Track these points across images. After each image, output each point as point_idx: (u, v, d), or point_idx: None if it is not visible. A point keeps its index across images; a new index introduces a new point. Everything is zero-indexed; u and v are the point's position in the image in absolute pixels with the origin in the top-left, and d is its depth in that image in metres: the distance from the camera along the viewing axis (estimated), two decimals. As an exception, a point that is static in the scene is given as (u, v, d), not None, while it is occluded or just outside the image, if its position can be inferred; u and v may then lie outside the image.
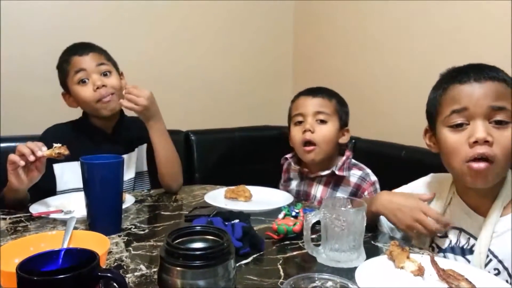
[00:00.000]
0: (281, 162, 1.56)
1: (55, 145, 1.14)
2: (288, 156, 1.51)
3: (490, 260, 0.89)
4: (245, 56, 2.39)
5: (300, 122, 1.40)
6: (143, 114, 1.32)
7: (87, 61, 1.35)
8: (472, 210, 0.95)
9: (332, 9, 2.19)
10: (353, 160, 1.44)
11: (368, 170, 1.41)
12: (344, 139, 1.42)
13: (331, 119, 1.38)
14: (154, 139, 1.37)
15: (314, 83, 2.35)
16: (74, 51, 1.38)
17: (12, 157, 1.10)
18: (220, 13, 2.27)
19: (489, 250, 0.89)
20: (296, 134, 1.40)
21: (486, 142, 0.85)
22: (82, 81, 1.35)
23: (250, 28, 2.38)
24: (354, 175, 1.39)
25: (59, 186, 1.36)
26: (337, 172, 1.36)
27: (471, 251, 0.93)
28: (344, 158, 1.39)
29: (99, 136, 1.42)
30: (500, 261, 0.88)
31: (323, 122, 1.37)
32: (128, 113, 1.42)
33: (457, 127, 0.90)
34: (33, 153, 1.10)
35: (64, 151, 1.14)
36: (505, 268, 0.87)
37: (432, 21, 1.67)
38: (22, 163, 1.09)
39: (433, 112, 0.97)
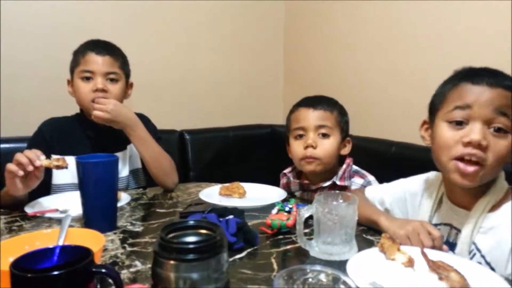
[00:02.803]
0: (280, 177, 1.50)
1: (53, 156, 1.14)
2: (286, 171, 1.46)
3: (474, 254, 0.90)
4: (237, 57, 2.40)
5: (301, 136, 1.34)
6: (112, 124, 1.34)
7: (99, 62, 1.37)
8: (460, 208, 0.96)
9: (322, 9, 2.20)
10: (355, 167, 1.39)
11: (370, 178, 1.36)
12: (345, 151, 1.37)
13: (333, 133, 1.32)
14: (136, 146, 1.39)
15: (304, 82, 2.40)
16: (93, 46, 1.39)
17: (10, 166, 1.09)
18: (211, 13, 2.28)
19: (474, 244, 0.90)
20: (297, 148, 1.34)
21: (479, 145, 0.85)
22: (87, 78, 1.37)
23: (241, 28, 2.39)
24: (356, 184, 1.34)
25: (55, 180, 1.37)
26: (338, 183, 1.31)
27: None
28: (344, 166, 1.34)
29: (95, 132, 1.44)
30: (482, 256, 0.89)
31: (325, 136, 1.31)
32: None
33: (457, 124, 0.89)
34: (31, 162, 1.09)
35: (63, 163, 1.13)
36: (487, 263, 0.88)
37: (423, 19, 1.68)
38: (21, 173, 1.08)
39: (437, 105, 0.97)
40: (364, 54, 1.98)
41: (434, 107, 0.98)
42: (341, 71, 2.11)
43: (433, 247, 0.86)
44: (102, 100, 1.33)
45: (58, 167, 1.12)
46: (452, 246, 0.95)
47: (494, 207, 0.91)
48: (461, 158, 0.88)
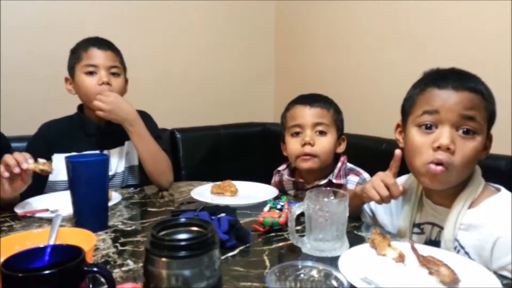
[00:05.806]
0: (274, 174, 1.49)
1: (39, 160, 1.13)
2: (280, 168, 1.45)
3: (458, 250, 0.91)
4: (228, 55, 2.41)
5: (297, 133, 1.32)
6: (110, 118, 1.35)
7: (102, 57, 1.39)
8: (440, 206, 0.98)
9: (312, 7, 2.22)
10: (349, 164, 1.39)
11: (366, 175, 1.35)
12: (340, 149, 1.37)
13: (330, 130, 1.32)
14: (133, 142, 1.39)
15: (295, 80, 2.41)
16: (94, 42, 1.41)
17: None
18: (201, 12, 2.28)
19: (457, 240, 0.92)
20: (294, 146, 1.32)
21: (448, 149, 0.87)
22: (90, 73, 1.38)
23: (232, 26, 2.40)
24: (352, 182, 1.34)
25: (50, 177, 1.37)
26: (334, 181, 1.30)
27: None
28: (339, 164, 1.34)
29: (92, 129, 1.45)
30: (466, 253, 0.90)
31: (322, 133, 1.30)
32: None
33: (426, 129, 0.92)
34: (18, 165, 1.08)
35: (48, 168, 1.12)
36: (472, 260, 0.89)
37: (415, 16, 1.70)
38: (7, 174, 1.08)
39: (407, 109, 0.99)
40: (354, 52, 1.99)
41: (405, 111, 1.00)
42: (332, 69, 2.12)
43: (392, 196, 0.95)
44: (105, 92, 1.34)
45: (42, 172, 1.12)
46: (436, 244, 0.96)
47: (473, 204, 0.93)
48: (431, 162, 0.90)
